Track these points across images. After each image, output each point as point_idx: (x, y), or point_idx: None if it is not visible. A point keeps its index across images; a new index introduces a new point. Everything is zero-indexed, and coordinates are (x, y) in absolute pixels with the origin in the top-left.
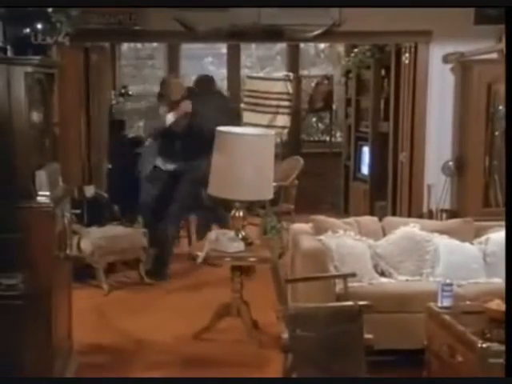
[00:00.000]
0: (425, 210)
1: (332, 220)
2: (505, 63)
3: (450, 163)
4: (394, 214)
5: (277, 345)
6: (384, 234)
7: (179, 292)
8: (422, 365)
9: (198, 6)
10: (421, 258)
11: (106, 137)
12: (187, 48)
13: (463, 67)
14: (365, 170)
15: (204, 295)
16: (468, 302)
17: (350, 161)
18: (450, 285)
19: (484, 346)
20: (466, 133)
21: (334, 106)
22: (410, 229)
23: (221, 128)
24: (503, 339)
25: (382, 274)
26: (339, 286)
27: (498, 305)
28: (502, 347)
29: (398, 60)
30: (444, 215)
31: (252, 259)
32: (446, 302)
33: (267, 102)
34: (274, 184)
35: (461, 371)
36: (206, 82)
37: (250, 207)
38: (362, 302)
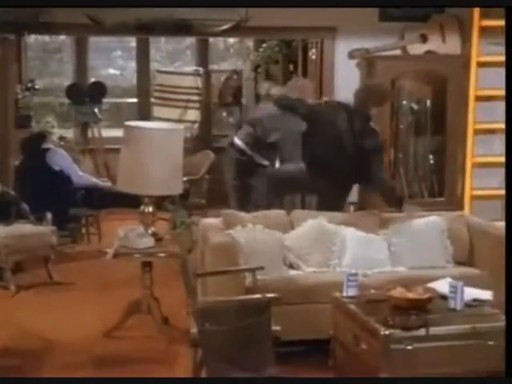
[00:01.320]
0: None
1: (241, 214)
2: (505, 64)
3: None
4: (302, 207)
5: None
6: (292, 227)
7: (89, 290)
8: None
9: (192, 5)
10: (328, 249)
11: (11, 132)
12: (96, 41)
13: (368, 63)
14: None
15: (114, 292)
16: (373, 291)
17: None
18: (355, 275)
19: (387, 332)
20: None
21: (243, 101)
22: (317, 221)
23: (129, 123)
24: (406, 326)
25: (291, 266)
26: (249, 279)
27: (401, 293)
28: (404, 333)
29: (305, 55)
30: (351, 207)
31: (161, 255)
32: (351, 292)
33: (177, 97)
34: (185, 178)
35: (365, 359)
36: None
37: (160, 202)
38: (270, 295)
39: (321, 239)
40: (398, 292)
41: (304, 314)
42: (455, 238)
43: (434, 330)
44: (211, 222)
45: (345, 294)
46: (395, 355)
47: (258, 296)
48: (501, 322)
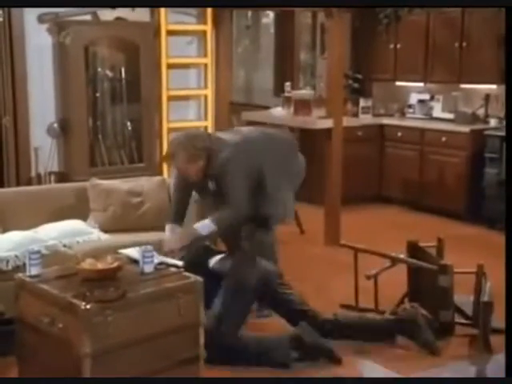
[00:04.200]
0: (33, 173)
1: None
2: (505, 63)
3: (55, 125)
4: (1, 180)
5: None
6: None
7: None
8: None
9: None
10: None
11: None
12: None
13: (59, 28)
14: None
15: None
16: (56, 267)
17: None
18: (37, 252)
19: (88, 307)
20: (68, 94)
21: None
22: None
23: None
24: (104, 298)
25: None
26: None
27: (91, 264)
28: (104, 305)
29: None
30: (52, 178)
31: None
32: (35, 271)
33: None
34: None
35: (62, 337)
36: None
37: None
38: None
39: None
40: (88, 264)
41: None
42: (157, 203)
43: (130, 297)
44: None
45: (28, 274)
46: (97, 328)
47: None
48: (187, 280)
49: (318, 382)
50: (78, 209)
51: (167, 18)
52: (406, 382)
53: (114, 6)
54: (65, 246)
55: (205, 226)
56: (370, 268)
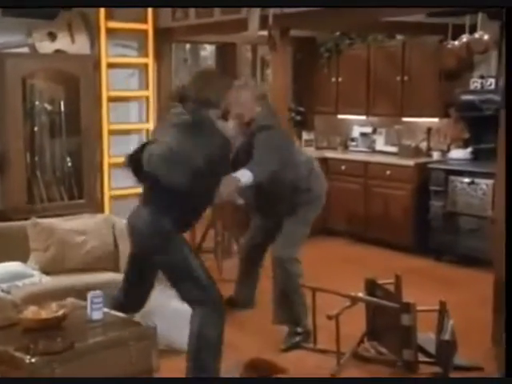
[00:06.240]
0: None
1: None
2: (505, 64)
3: None
4: None
5: None
6: None
7: None
8: None
9: (199, 6)
10: None
11: None
12: None
13: None
14: None
15: None
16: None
17: None
18: None
19: (33, 360)
20: (4, 128)
21: None
22: None
23: None
24: (48, 350)
25: None
26: None
27: (34, 313)
28: (51, 357)
29: None
30: None
31: None
32: None
33: None
34: None
35: None
36: None
37: None
38: None
39: None
40: (31, 312)
41: None
42: (102, 241)
43: (79, 347)
44: None
45: None
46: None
47: None
48: (138, 326)
49: (318, 382)
50: (17, 250)
51: (108, 50)
52: (406, 382)
53: (114, 6)
54: (3, 290)
55: (244, 174)
56: (328, 306)
